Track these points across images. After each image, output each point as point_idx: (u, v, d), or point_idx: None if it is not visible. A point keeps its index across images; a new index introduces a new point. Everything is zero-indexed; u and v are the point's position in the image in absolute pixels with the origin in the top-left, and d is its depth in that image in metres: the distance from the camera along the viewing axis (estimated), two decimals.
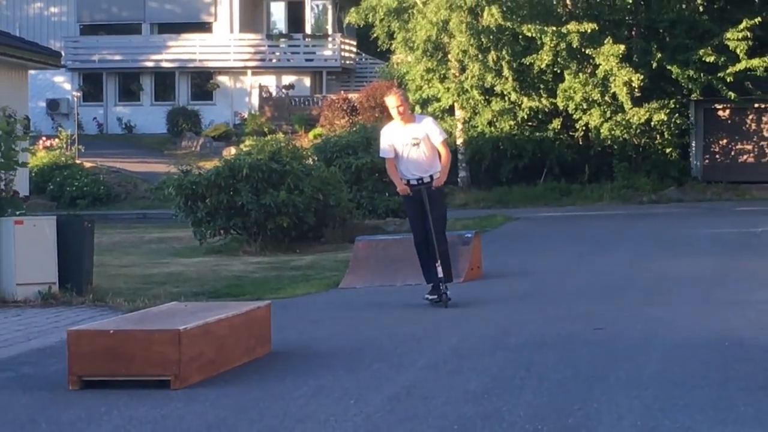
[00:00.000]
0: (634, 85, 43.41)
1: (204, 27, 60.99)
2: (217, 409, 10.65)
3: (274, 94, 58.10)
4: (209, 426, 9.95)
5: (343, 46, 59.29)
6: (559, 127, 45.31)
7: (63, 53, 45.77)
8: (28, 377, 12.35)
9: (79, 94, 57.87)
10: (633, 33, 45.00)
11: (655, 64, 44.59)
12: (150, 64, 60.38)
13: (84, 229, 19.46)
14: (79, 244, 19.17)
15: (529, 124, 45.24)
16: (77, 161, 44.49)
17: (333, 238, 26.94)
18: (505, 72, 43.95)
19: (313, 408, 10.54)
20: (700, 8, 47.19)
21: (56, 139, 47.52)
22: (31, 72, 37.85)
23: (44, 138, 46.48)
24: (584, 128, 44.93)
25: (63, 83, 56.65)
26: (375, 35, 49.08)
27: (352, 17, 49.94)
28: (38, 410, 10.76)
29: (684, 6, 46.94)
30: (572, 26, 43.45)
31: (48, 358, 13.05)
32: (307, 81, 59.16)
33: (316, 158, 30.03)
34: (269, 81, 58.91)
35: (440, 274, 17.53)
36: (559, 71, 44.16)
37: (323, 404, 10.69)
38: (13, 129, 20.74)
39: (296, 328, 14.92)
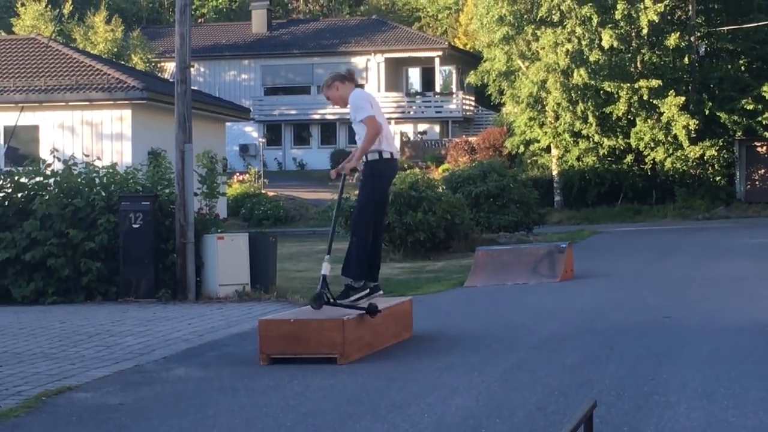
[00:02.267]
0: (690, 128, 42.87)
1: (358, 85, 61.07)
2: (372, 379, 10.75)
3: (411, 138, 58.08)
4: (368, 392, 10.06)
5: (464, 101, 59.09)
6: (632, 161, 44.80)
7: (251, 109, 46.10)
8: (230, 355, 12.52)
9: (263, 140, 58.22)
10: (690, 88, 44.38)
11: (707, 111, 44.02)
12: (317, 116, 60.57)
13: (269, 243, 19.61)
14: (265, 254, 19.31)
15: (609, 159, 44.75)
16: (263, 191, 44.72)
17: (458, 248, 26.87)
18: (590, 119, 43.59)
19: (446, 379, 10.61)
20: (742, 67, 46.61)
21: (247, 175, 47.81)
22: (228, 124, 38.11)
23: (238, 174, 46.80)
24: (652, 162, 44.39)
25: (251, 132, 57.00)
26: (489, 92, 48.90)
27: (471, 78, 49.91)
28: (237, 380, 10.93)
29: (729, 66, 46.36)
30: (642, 83, 42.98)
31: (244, 341, 13.19)
32: (436, 128, 59.03)
33: (444, 187, 29.96)
34: (408, 128, 58.92)
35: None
36: (632, 118, 43.70)
37: (453, 376, 10.75)
38: (215, 167, 20.89)
39: (432, 318, 14.93)
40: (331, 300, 11.74)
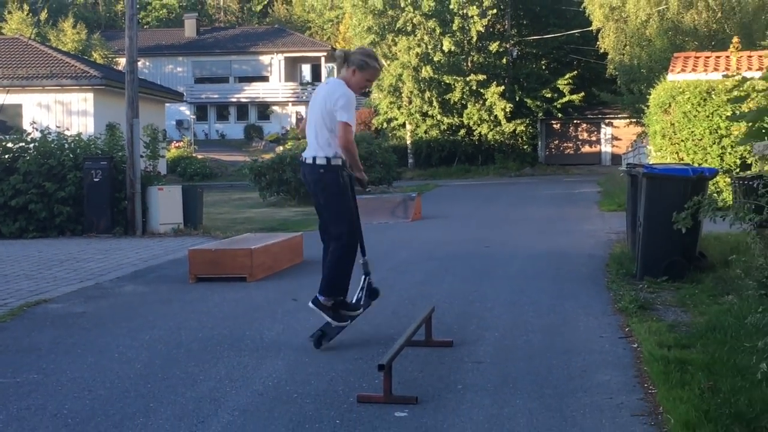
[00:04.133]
0: (506, 110, 43.40)
1: (265, 78, 60.62)
2: (273, 292, 10.76)
3: (303, 116, 57.91)
4: (269, 302, 10.08)
5: None
6: (464, 134, 45.17)
7: (184, 94, 45.48)
8: (167, 276, 12.41)
9: (194, 117, 57.68)
10: (506, 81, 44.83)
11: (518, 98, 44.59)
12: (233, 100, 60.03)
13: (197, 193, 19.49)
14: (194, 201, 19.20)
15: (447, 132, 45.07)
16: (193, 155, 44.32)
17: None
18: (434, 103, 43.84)
19: None
20: (543, 66, 47.32)
21: (181, 143, 47.30)
22: (166, 104, 37.52)
23: (175, 142, 46.17)
24: (478, 135, 44.81)
25: (185, 110, 56.24)
26: None
27: None
28: (172, 294, 10.84)
29: (534, 65, 47.06)
30: (472, 77, 43.30)
31: (178, 265, 13.08)
32: None
33: None
34: (301, 109, 58.64)
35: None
36: (464, 102, 44.01)
37: None
38: (156, 137, 20.84)
39: (317, 247, 14.94)
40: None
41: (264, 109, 60.54)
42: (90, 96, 27.84)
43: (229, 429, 5.48)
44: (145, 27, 65.70)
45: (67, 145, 19.01)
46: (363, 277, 7.90)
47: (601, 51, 39.07)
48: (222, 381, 6.59)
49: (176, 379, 6.66)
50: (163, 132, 29.35)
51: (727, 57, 21.81)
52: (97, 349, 7.73)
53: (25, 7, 58.80)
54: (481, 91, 43.76)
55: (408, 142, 45.61)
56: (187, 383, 6.56)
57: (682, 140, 19.76)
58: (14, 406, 6.06)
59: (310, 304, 7.69)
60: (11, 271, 12.97)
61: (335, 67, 7.54)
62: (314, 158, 7.72)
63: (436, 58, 43.32)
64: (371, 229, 18.76)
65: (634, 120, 38.02)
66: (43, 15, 59.14)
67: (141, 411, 5.87)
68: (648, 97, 23.04)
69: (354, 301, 7.81)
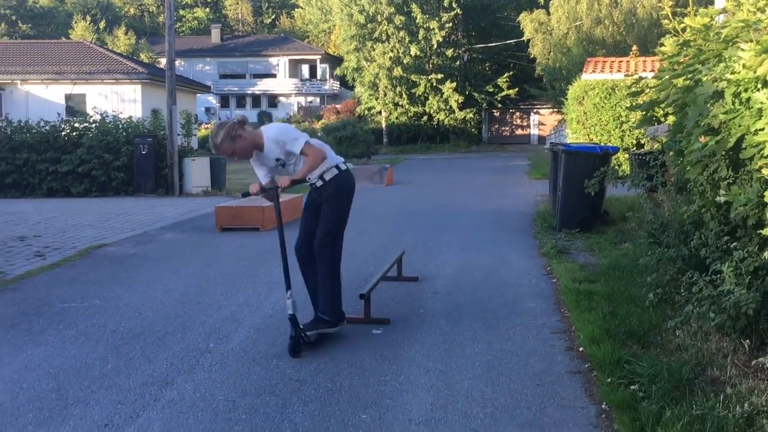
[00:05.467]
0: (458, 101, 43.35)
1: (273, 75, 60.03)
2: (276, 238, 10.76)
3: (303, 105, 57.37)
4: (276, 246, 10.02)
5: (333, 84, 58.52)
6: (426, 120, 45.02)
7: (211, 87, 44.95)
8: (198, 226, 12.36)
9: (218, 104, 57.11)
10: (459, 78, 44.50)
11: (468, 92, 44.42)
12: (249, 92, 59.48)
13: (221, 163, 19.34)
14: (219, 169, 19.09)
15: (413, 118, 44.84)
16: None
17: None
18: (403, 96, 43.70)
19: None
20: (487, 68, 47.07)
21: (209, 125, 46.84)
22: (197, 95, 37.16)
23: (204, 124, 45.69)
24: (437, 120, 44.70)
25: (212, 100, 55.66)
26: (347, 79, 48.51)
27: (337, 71, 49.50)
28: (203, 239, 10.81)
29: (480, 67, 46.73)
30: (433, 75, 43.14)
31: (207, 218, 13.04)
32: (318, 100, 58.26)
33: (322, 133, 29.75)
34: (301, 100, 58.18)
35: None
36: (427, 95, 43.82)
37: None
38: (190, 120, 20.69)
39: None
40: (305, 335, 5.35)
41: (273, 99, 60.06)
42: (138, 87, 27.47)
43: (247, 341, 5.51)
44: (180, 34, 64.83)
45: (121, 126, 18.85)
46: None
47: (531, 56, 38.92)
48: (241, 306, 6.61)
49: (206, 305, 6.68)
50: (195, 116, 29.01)
51: (628, 61, 21.79)
52: (145, 281, 7.72)
53: (88, 18, 58.07)
54: (440, 87, 43.65)
55: (383, 125, 45.37)
56: (214, 307, 6.57)
57: (592, 125, 19.84)
58: (83, 324, 6.06)
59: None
60: (79, 222, 12.89)
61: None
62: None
63: (405, 61, 43.09)
64: (355, 192, 18.76)
65: (556, 110, 37.96)
66: (102, 24, 58.53)
67: (179, 328, 5.88)
68: (567, 92, 23.13)
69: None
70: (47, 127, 18.76)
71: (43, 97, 26.92)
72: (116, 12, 66.16)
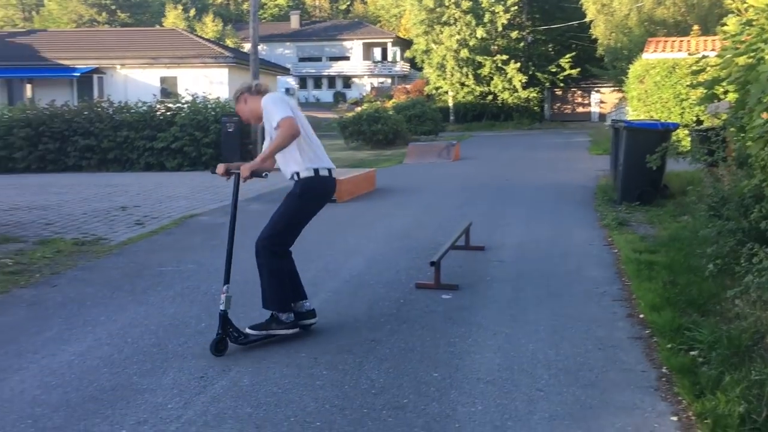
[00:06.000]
0: (522, 81, 42.73)
1: (347, 58, 60.10)
2: (353, 210, 10.80)
3: (375, 85, 57.33)
4: (351, 217, 10.12)
5: (403, 65, 58.25)
6: (491, 99, 44.46)
7: (291, 69, 45.21)
8: (278, 198, 12.39)
9: (297, 86, 57.51)
10: (523, 59, 43.78)
11: (531, 72, 43.78)
12: (325, 74, 59.75)
13: None
14: None
15: (479, 97, 44.34)
16: None
17: (400, 144, 26.65)
18: (469, 76, 43.24)
19: (393, 211, 10.66)
20: (550, 49, 46.06)
21: None
22: (278, 77, 37.40)
23: None
24: (502, 99, 44.11)
25: (291, 81, 56.00)
26: (417, 61, 48.21)
27: (408, 53, 49.41)
28: None
29: (543, 48, 45.82)
30: (497, 57, 42.64)
31: (287, 191, 13.18)
32: (389, 81, 58.13)
33: (393, 111, 29.69)
34: (374, 80, 58.17)
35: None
36: (492, 76, 43.26)
37: (397, 209, 10.80)
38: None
39: (385, 179, 14.95)
40: (240, 336, 4.58)
41: (347, 81, 60.16)
42: (225, 71, 27.84)
43: (327, 303, 5.57)
44: (262, 21, 65.32)
45: (209, 106, 19.12)
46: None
47: (593, 37, 37.93)
48: (320, 271, 6.68)
49: None
50: None
51: (689, 41, 21.06)
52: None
53: (179, 6, 59.07)
54: (504, 67, 43.07)
55: (450, 104, 44.99)
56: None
57: (653, 103, 19.30)
58: (179, 286, 6.22)
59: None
60: (173, 194, 13.18)
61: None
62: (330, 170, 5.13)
63: (471, 43, 42.58)
64: (423, 167, 18.71)
65: (617, 88, 37.03)
66: (192, 12, 59.46)
67: None
68: (628, 71, 22.51)
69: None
70: (144, 108, 19.21)
71: (139, 80, 27.55)
72: (205, 0, 67.10)
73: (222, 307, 4.57)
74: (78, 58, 28.00)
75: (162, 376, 4.05)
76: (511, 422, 3.42)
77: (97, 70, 27.91)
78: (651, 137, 9.93)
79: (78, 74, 27.59)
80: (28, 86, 28.41)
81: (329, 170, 5.02)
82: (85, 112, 19.00)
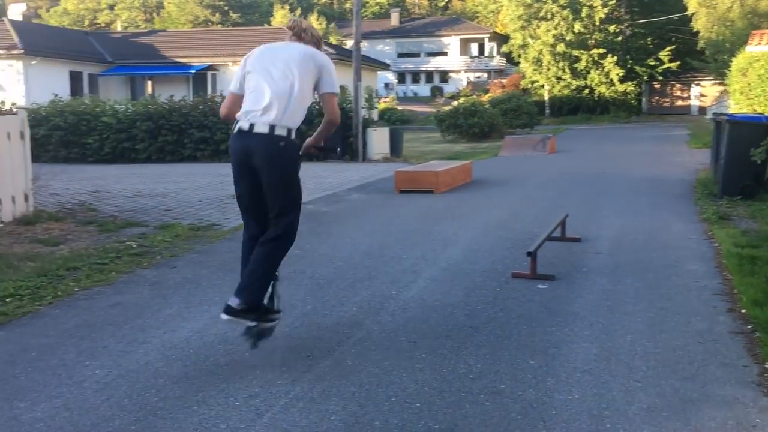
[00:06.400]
0: (619, 75, 41.46)
1: (444, 54, 59.81)
2: (451, 201, 10.77)
3: (471, 80, 56.82)
4: (449, 207, 10.09)
5: (499, 60, 57.50)
6: (588, 92, 43.33)
7: (390, 65, 45.36)
8: (380, 188, 12.61)
9: (396, 81, 57.65)
10: (620, 53, 42.46)
11: (629, 66, 42.42)
12: (423, 69, 59.72)
13: (399, 133, 19.64)
14: (397, 138, 19.35)
15: (575, 91, 43.32)
16: (395, 107, 44.39)
17: (495, 137, 26.40)
18: (566, 71, 42.31)
19: (489, 202, 10.58)
20: (648, 42, 44.39)
21: (387, 99, 47.54)
22: (378, 72, 37.64)
23: (383, 98, 46.44)
24: (598, 93, 42.92)
25: (390, 76, 56.17)
26: (513, 56, 47.51)
27: (504, 48, 48.87)
28: (384, 200, 11.03)
29: (641, 41, 44.25)
30: (594, 51, 41.53)
31: (387, 181, 13.27)
32: (485, 75, 57.55)
33: (488, 105, 29.40)
34: (470, 75, 57.69)
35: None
36: (589, 69, 42.17)
37: (493, 200, 10.72)
38: (372, 95, 21.01)
39: (482, 171, 14.83)
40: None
41: (444, 75, 59.92)
42: None
43: (425, 290, 5.58)
44: (364, 18, 65.64)
45: (313, 100, 19.43)
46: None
47: (694, 30, 36.36)
48: (418, 260, 6.70)
49: (388, 258, 6.82)
50: (376, 91, 29.58)
51: None
52: (336, 235, 8.00)
53: (286, 6, 60.39)
54: (601, 61, 41.92)
55: (546, 98, 44.17)
56: (395, 260, 6.70)
57: (756, 96, 18.37)
58: (285, 270, 6.29)
59: (224, 315, 3.97)
60: None
61: (290, 32, 4.34)
62: (272, 127, 4.01)
63: (568, 38, 41.64)
64: (519, 159, 18.46)
65: (718, 81, 35.37)
66: (298, 12, 60.72)
67: (366, 277, 6.05)
68: (730, 64, 21.47)
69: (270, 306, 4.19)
70: None
71: None
72: (310, 0, 68.26)
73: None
74: (193, 56, 29.02)
75: (271, 354, 4.16)
76: (608, 412, 3.34)
77: (210, 68, 28.84)
78: (755, 131, 9.46)
79: (193, 71, 28.61)
80: (149, 83, 29.69)
81: (239, 125, 4.06)
82: (200, 107, 19.67)
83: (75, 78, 27.70)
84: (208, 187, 12.64)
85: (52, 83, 24.73)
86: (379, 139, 18.91)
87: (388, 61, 46.86)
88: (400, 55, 60.90)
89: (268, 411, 3.39)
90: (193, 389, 3.65)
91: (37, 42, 26.85)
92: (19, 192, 8.61)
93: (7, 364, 4.08)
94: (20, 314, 5.03)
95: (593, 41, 42.89)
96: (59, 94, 21.01)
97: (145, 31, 41.09)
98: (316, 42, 4.29)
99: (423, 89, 59.13)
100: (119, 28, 53.64)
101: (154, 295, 5.53)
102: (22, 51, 25.51)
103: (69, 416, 3.36)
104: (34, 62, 25.84)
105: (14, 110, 9.65)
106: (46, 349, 4.31)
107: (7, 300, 5.32)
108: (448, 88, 57.39)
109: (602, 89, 42.75)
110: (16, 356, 4.20)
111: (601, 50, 41.68)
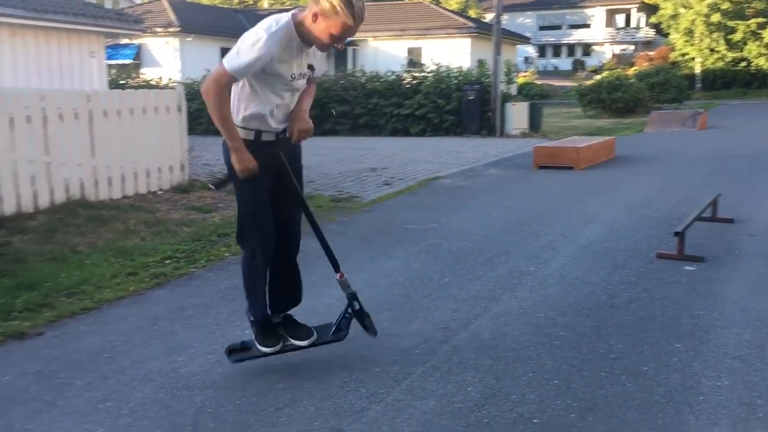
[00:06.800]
0: None
1: (588, 26, 57.74)
2: (591, 178, 10.46)
3: (616, 52, 54.48)
4: (589, 184, 9.81)
5: (647, 31, 54.77)
6: (744, 65, 40.47)
7: (530, 38, 44.29)
8: (518, 164, 12.43)
9: (536, 54, 56.31)
10: None
11: None
12: (565, 42, 58.01)
13: (538, 107, 19.18)
14: (537, 113, 18.91)
15: (730, 63, 40.64)
16: (535, 81, 43.36)
17: (641, 112, 25.24)
18: (721, 41, 39.69)
19: (633, 179, 10.19)
20: None
21: (527, 73, 46.47)
22: (518, 46, 36.82)
23: (522, 72, 45.50)
24: (756, 66, 39.99)
25: (530, 50, 54.84)
26: (662, 27, 45.09)
27: (653, 19, 46.71)
28: (522, 175, 10.87)
29: None
30: (752, 20, 38.74)
31: (525, 157, 13.05)
32: (632, 47, 55.04)
33: (634, 79, 28.11)
34: (615, 47, 55.37)
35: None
36: (746, 41, 39.35)
37: (637, 177, 10.30)
38: (511, 69, 20.62)
39: (625, 147, 14.24)
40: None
41: (586, 48, 57.90)
42: (467, 41, 27.96)
43: (564, 268, 5.46)
44: None
45: (452, 75, 19.39)
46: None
47: None
48: (557, 236, 6.57)
49: (526, 233, 6.73)
50: (515, 65, 29.00)
51: None
52: (473, 210, 7.97)
53: None
54: (760, 32, 38.96)
55: (697, 71, 41.66)
56: (533, 236, 6.60)
57: None
58: (423, 243, 6.44)
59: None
60: (417, 158, 13.60)
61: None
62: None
63: (723, 7, 39.04)
64: (666, 136, 17.59)
65: None
66: None
67: (503, 252, 6.00)
68: None
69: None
70: (393, 77, 19.92)
71: (388, 51, 28.55)
72: None
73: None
74: None
75: (409, 323, 4.23)
76: (761, 401, 3.15)
77: (351, 43, 29.31)
78: None
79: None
80: None
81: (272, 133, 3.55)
82: (341, 82, 20.10)
83: (225, 54, 29.02)
84: (347, 160, 12.93)
85: (204, 59, 25.95)
86: (517, 114, 18.58)
87: (528, 35, 45.82)
88: (541, 28, 59.40)
89: (406, 378, 3.46)
90: (336, 354, 3.78)
91: (192, 20, 28.31)
92: (177, 162, 9.18)
93: (167, 321, 4.39)
94: (177, 275, 5.39)
95: (752, 10, 39.90)
96: (211, 70, 22.09)
97: (290, 7, 42.30)
98: (321, 9, 3.23)
99: (564, 63, 57.43)
100: (266, 5, 55.49)
101: (300, 263, 5.74)
102: (179, 28, 26.98)
103: (222, 371, 3.58)
104: (189, 39, 27.27)
105: (172, 85, 10.28)
106: (201, 308, 4.61)
107: (167, 262, 5.72)
108: (591, 62, 55.44)
109: (761, 62, 39.84)
110: (175, 314, 4.51)
111: (761, 20, 38.76)
